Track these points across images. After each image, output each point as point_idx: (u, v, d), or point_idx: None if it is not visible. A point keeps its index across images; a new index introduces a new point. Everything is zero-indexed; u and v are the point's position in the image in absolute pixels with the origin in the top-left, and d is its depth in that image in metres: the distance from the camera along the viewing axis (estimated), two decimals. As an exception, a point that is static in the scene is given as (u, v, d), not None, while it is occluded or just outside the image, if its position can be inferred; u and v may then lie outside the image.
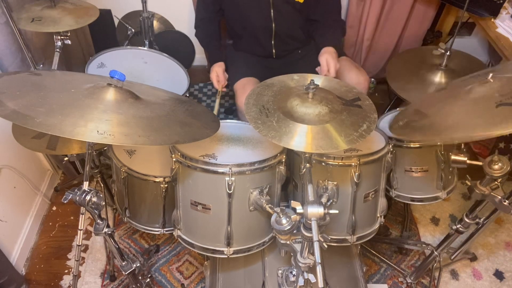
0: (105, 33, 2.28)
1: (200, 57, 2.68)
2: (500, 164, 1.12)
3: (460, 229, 1.33)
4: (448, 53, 1.58)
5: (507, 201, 1.14)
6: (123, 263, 1.26)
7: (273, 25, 1.70)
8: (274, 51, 1.80)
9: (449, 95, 1.10)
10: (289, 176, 1.35)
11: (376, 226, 1.37)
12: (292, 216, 0.96)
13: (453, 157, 1.34)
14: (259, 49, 1.81)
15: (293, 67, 1.84)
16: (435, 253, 1.47)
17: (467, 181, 1.22)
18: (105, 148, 1.52)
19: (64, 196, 1.02)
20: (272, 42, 1.77)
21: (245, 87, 1.69)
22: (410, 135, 1.18)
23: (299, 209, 0.91)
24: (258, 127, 1.01)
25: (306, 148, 0.96)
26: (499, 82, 0.99)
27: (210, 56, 1.86)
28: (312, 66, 1.77)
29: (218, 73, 1.74)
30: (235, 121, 1.44)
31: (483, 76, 1.05)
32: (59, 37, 1.58)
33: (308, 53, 1.82)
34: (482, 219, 1.31)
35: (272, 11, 1.67)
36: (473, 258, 1.78)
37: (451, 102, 1.08)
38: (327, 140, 0.97)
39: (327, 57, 1.52)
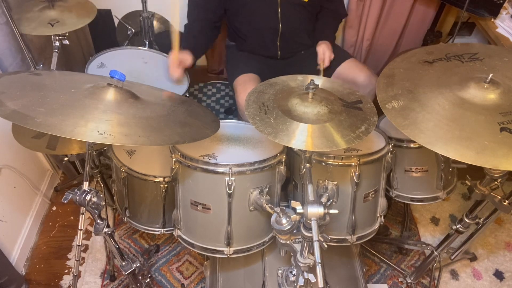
0: (105, 33, 2.28)
1: (200, 57, 2.68)
2: (500, 164, 1.11)
3: (460, 229, 1.33)
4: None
5: (507, 201, 1.14)
6: (123, 263, 1.26)
7: (280, 25, 1.71)
8: (279, 52, 1.80)
9: (438, 82, 1.03)
10: (289, 176, 1.36)
11: (376, 226, 1.37)
12: (292, 216, 0.96)
13: (453, 157, 1.34)
14: (264, 50, 1.81)
15: (296, 67, 1.84)
16: (435, 253, 1.47)
17: (467, 181, 1.22)
18: (105, 148, 1.52)
19: (64, 196, 1.02)
20: (278, 43, 1.77)
21: (246, 84, 1.68)
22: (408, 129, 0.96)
23: (299, 209, 0.91)
24: (256, 123, 1.02)
25: (302, 146, 0.97)
26: (497, 89, 0.97)
27: (185, 39, 1.65)
28: (313, 67, 1.78)
29: (187, 62, 1.60)
30: (235, 121, 1.44)
31: (480, 71, 1.03)
32: (57, 38, 1.58)
33: (311, 55, 1.83)
34: (482, 219, 1.31)
35: (279, 11, 1.67)
36: (473, 258, 1.78)
37: (438, 94, 0.99)
38: (323, 139, 0.98)
39: (323, 47, 1.72)
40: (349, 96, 1.17)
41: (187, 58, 1.61)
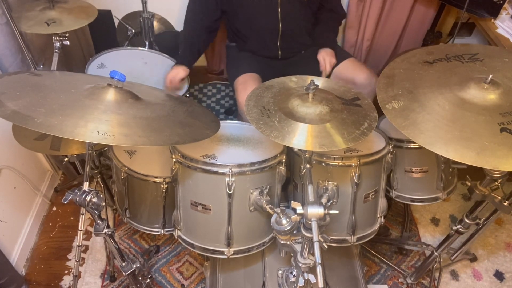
0: (105, 34, 2.28)
1: (200, 58, 2.67)
2: (500, 164, 1.11)
3: (460, 229, 1.33)
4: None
5: (507, 201, 1.14)
6: (123, 264, 1.26)
7: (280, 25, 1.71)
8: (279, 52, 1.80)
9: (438, 82, 1.04)
10: (289, 177, 1.35)
11: (376, 226, 1.37)
12: (292, 217, 0.96)
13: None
14: (265, 51, 1.81)
15: (296, 67, 1.84)
16: (435, 253, 1.47)
17: (467, 182, 1.22)
18: (105, 149, 1.52)
19: (64, 197, 1.02)
20: (278, 43, 1.77)
21: (246, 83, 1.68)
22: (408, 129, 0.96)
23: (299, 209, 0.91)
24: (260, 127, 1.01)
25: (308, 147, 0.97)
26: (497, 90, 0.97)
27: (183, 56, 1.75)
28: (313, 67, 1.78)
29: (178, 76, 1.64)
30: (235, 121, 1.44)
31: (480, 72, 1.03)
32: (57, 38, 1.58)
33: (311, 54, 1.83)
34: (482, 220, 1.31)
35: (279, 10, 1.67)
36: (473, 259, 1.78)
37: (438, 95, 0.99)
38: (329, 139, 0.98)
39: (323, 54, 1.73)
40: (346, 93, 1.17)
41: (180, 73, 1.66)
